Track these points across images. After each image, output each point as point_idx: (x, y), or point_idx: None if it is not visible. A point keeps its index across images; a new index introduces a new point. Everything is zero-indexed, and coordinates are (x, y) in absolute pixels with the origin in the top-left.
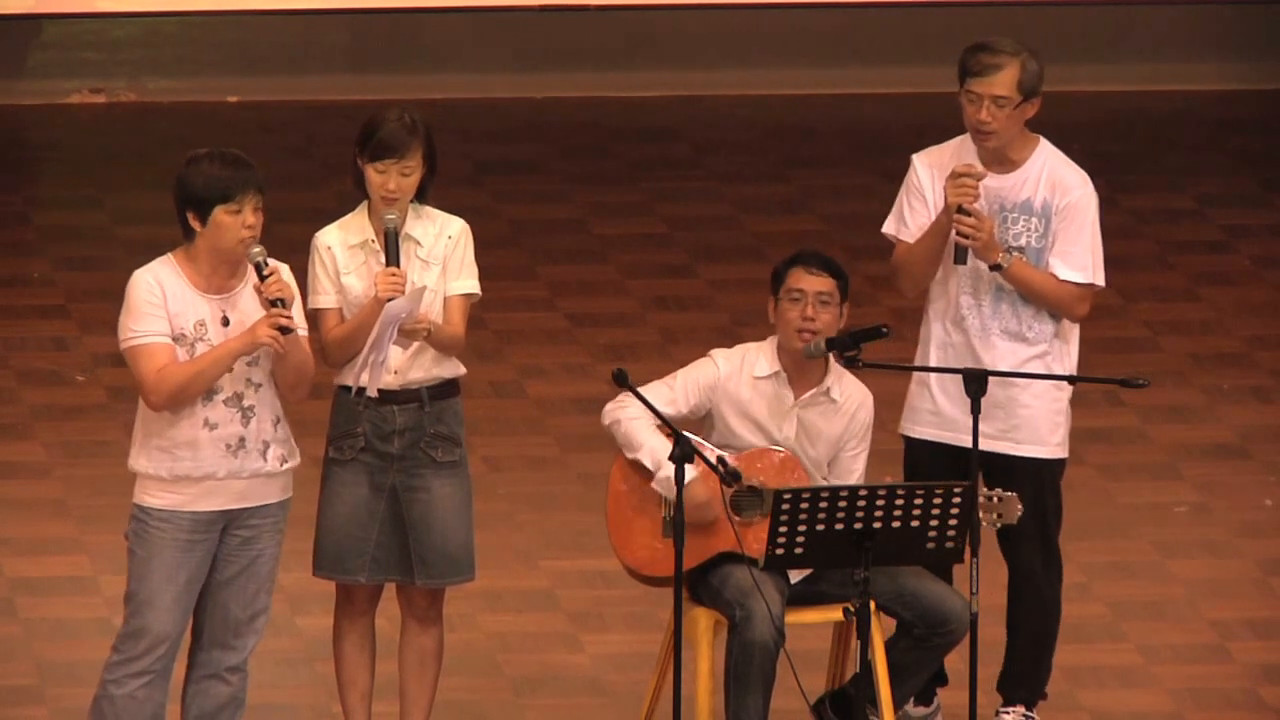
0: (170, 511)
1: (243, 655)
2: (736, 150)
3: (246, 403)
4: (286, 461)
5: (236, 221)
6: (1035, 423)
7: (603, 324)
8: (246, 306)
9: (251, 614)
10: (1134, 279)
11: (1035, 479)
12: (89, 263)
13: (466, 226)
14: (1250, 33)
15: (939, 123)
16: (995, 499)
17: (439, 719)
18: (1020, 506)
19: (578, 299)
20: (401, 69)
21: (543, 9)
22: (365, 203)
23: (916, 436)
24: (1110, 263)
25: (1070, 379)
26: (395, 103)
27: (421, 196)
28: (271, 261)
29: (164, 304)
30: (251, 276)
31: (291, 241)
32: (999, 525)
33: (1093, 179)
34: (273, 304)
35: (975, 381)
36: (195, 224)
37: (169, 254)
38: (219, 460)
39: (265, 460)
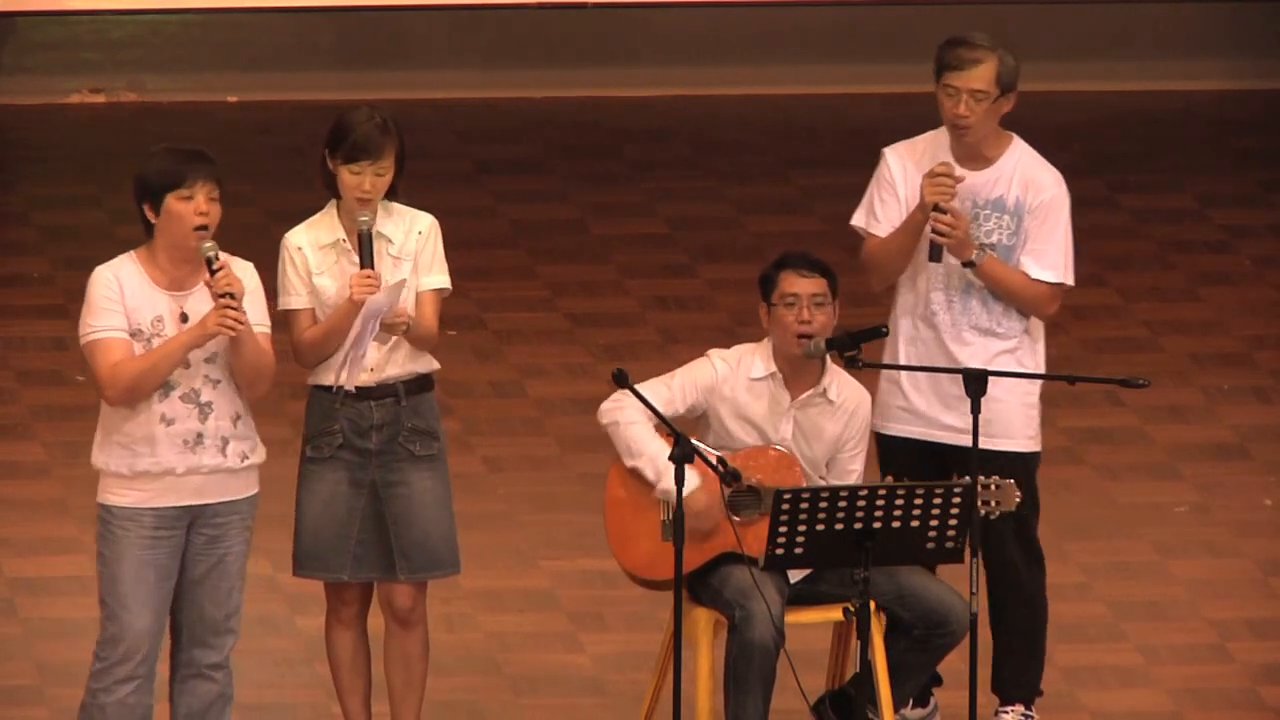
0: (133, 509)
1: (224, 653)
2: (736, 150)
3: (204, 399)
4: (248, 458)
5: (189, 208)
6: (1007, 417)
7: (603, 324)
8: (206, 304)
9: (226, 613)
10: (1134, 279)
11: (1009, 473)
12: (89, 263)
13: (435, 222)
14: (1250, 32)
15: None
16: (992, 486)
17: (439, 719)
18: (1019, 493)
19: (578, 299)
20: (401, 68)
21: (541, 6)
22: (334, 202)
23: (890, 433)
24: (1110, 262)
25: (1070, 379)
26: (364, 102)
27: (391, 194)
28: (223, 256)
29: (121, 299)
30: (203, 271)
31: None
32: (997, 514)
33: (1093, 179)
34: (221, 298)
35: (975, 381)
36: (150, 214)
37: (131, 251)
38: (176, 456)
39: (224, 456)
